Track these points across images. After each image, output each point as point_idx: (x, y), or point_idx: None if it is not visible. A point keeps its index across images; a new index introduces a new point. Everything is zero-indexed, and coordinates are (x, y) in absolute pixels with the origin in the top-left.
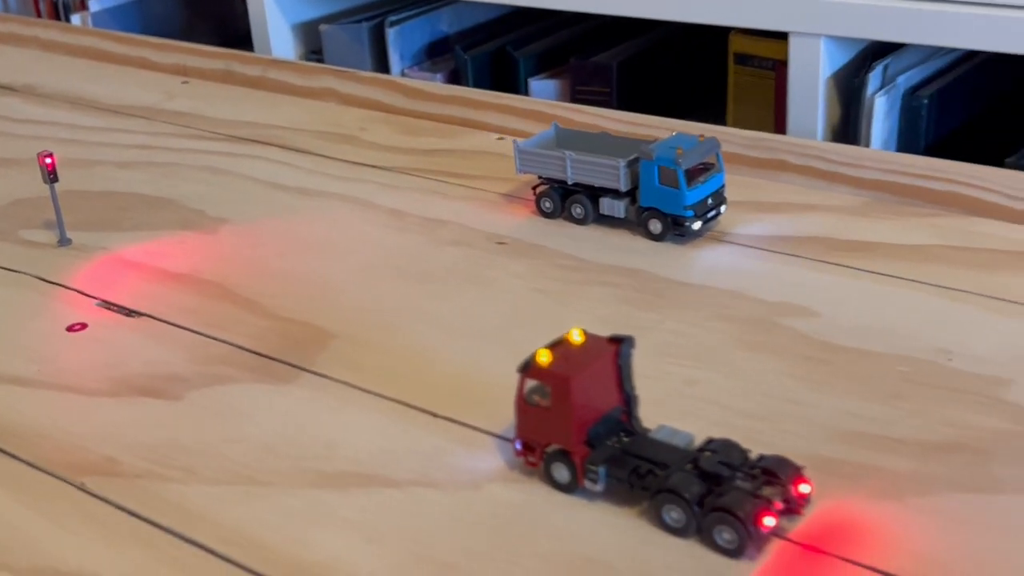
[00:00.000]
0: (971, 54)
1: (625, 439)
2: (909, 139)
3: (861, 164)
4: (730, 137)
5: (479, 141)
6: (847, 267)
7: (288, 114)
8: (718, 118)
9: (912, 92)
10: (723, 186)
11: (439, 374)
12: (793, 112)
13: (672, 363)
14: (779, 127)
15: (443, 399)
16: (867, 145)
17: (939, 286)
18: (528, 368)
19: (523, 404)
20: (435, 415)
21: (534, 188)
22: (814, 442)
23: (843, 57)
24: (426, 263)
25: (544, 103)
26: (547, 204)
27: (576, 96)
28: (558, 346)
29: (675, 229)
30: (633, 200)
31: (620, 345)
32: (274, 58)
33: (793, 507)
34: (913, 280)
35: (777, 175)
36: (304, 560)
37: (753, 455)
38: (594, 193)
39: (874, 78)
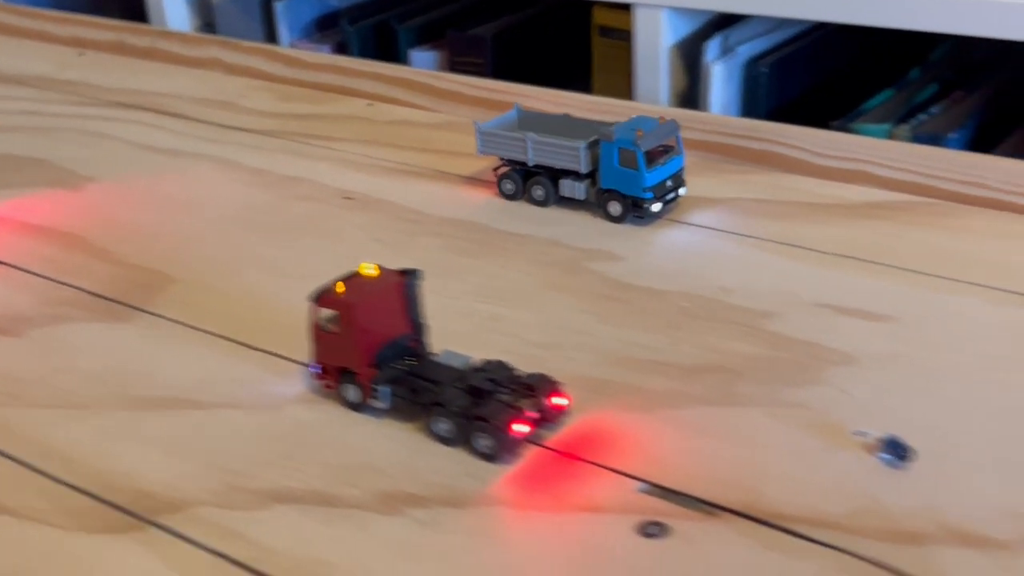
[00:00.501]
0: (813, 27)
1: (411, 362)
2: (750, 106)
3: (690, 126)
4: (577, 103)
5: (350, 107)
6: (662, 218)
7: (175, 83)
8: (585, 87)
9: (753, 62)
10: (683, 168)
11: (267, 313)
12: (640, 79)
13: (482, 302)
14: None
15: (265, 334)
16: (708, 111)
17: (737, 234)
18: (319, 297)
19: (318, 331)
20: (253, 348)
21: (495, 170)
22: (591, 366)
23: (686, 28)
24: (276, 216)
25: (413, 71)
26: (508, 186)
27: (454, 67)
28: (351, 278)
29: (635, 211)
30: (593, 182)
31: (407, 277)
32: (164, 30)
33: (549, 417)
34: (715, 229)
35: None
36: (106, 470)
37: (521, 374)
38: (555, 175)
39: (712, 47)
